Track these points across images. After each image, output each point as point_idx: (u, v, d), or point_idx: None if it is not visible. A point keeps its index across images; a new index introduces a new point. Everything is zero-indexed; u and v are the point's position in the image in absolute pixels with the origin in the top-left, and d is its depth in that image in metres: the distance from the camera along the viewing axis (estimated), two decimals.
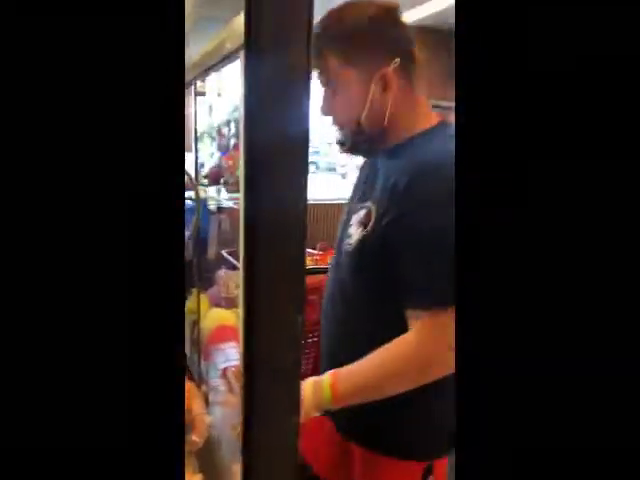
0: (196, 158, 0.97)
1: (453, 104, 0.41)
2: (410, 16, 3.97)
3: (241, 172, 0.40)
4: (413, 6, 3.71)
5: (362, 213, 0.81)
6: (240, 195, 0.46)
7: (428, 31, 4.32)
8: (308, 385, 0.76)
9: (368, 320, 0.83)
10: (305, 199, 0.40)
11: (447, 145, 0.73)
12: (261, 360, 0.40)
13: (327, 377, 0.76)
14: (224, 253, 1.64)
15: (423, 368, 0.74)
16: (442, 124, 0.83)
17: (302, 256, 0.42)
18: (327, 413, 0.81)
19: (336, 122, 0.86)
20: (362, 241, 0.78)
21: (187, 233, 0.96)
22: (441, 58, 4.47)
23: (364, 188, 0.89)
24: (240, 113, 0.38)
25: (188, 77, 0.84)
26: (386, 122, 0.79)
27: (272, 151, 0.36)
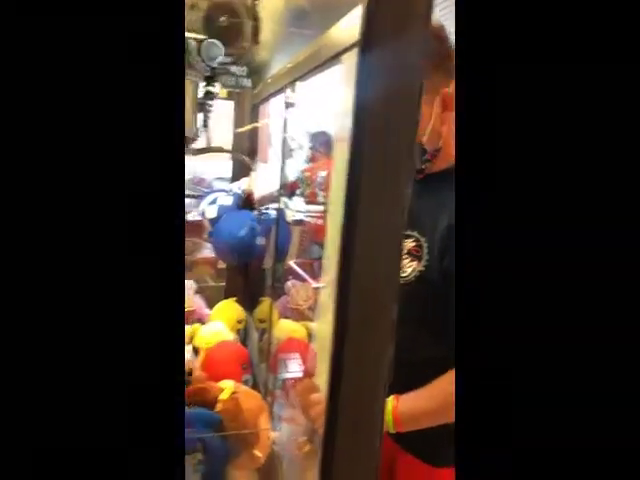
0: (282, 169, 0.98)
1: None
2: None
3: (338, 178, 0.37)
4: None
5: (410, 243, 0.80)
6: (332, 202, 0.43)
7: None
8: None
9: (424, 346, 0.80)
10: (404, 213, 0.37)
11: None
12: (350, 377, 0.37)
13: (390, 400, 0.75)
14: (292, 264, 1.63)
15: None
16: None
17: (397, 273, 0.39)
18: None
19: None
20: (419, 277, 0.78)
21: (265, 241, 0.96)
22: None
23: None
24: (338, 119, 0.36)
25: (277, 86, 0.84)
26: (441, 143, 0.78)
27: (379, 153, 0.33)
